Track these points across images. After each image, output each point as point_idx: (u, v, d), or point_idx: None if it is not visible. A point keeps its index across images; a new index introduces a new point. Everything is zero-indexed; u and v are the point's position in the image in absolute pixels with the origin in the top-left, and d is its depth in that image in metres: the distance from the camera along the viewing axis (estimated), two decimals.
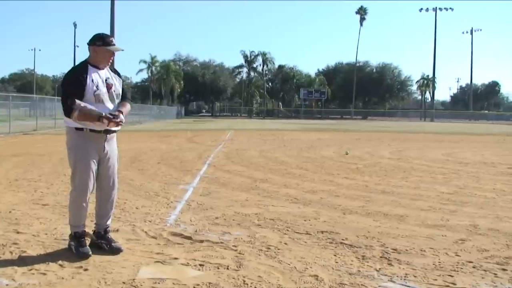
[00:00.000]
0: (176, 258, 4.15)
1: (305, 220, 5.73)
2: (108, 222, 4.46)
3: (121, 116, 4.14)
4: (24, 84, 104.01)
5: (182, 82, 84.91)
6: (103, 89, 4.16)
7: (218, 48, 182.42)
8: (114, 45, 4.25)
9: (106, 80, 4.23)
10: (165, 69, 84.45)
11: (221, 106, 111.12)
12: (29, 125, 26.58)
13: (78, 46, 79.39)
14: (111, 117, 4.03)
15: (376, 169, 10.95)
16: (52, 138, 19.51)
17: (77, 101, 3.95)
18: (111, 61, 4.33)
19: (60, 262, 3.99)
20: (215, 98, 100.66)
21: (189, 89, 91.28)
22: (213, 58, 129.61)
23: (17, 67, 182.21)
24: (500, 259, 4.30)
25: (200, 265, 4.00)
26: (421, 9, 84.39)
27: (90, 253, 4.15)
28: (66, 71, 4.33)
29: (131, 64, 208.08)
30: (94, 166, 4.23)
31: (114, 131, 4.35)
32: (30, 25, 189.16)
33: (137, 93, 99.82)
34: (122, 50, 4.36)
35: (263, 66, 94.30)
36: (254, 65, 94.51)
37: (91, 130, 4.16)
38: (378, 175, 9.90)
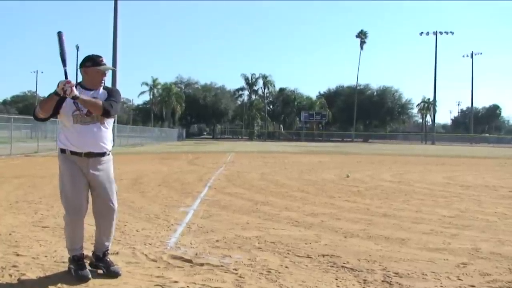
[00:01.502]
0: (176, 282, 4.12)
1: (306, 244, 5.70)
2: (107, 245, 4.40)
3: (74, 89, 3.88)
4: (26, 106, 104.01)
5: (183, 105, 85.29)
6: (84, 110, 4.13)
7: (220, 71, 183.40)
8: (104, 64, 4.24)
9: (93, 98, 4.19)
10: (167, 92, 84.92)
11: (222, 128, 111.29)
12: (31, 147, 26.63)
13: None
14: (62, 84, 3.87)
15: (377, 192, 10.93)
16: (53, 160, 19.30)
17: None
18: (103, 81, 4.30)
19: (59, 285, 3.96)
20: (216, 121, 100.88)
21: (191, 112, 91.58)
22: (215, 81, 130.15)
23: (19, 89, 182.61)
24: (503, 283, 4.27)
25: None
26: (422, 33, 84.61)
27: (90, 276, 4.11)
28: None
29: (133, 86, 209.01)
30: (82, 188, 4.20)
31: (98, 155, 4.26)
32: (32, 47, 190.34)
33: (139, 115, 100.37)
34: (113, 69, 4.37)
35: (264, 89, 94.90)
36: (255, 88, 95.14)
37: (72, 153, 4.17)
38: (379, 198, 9.88)
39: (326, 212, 7.95)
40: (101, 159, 4.28)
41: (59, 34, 4.16)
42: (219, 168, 17.47)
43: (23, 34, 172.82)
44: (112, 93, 4.33)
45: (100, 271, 4.29)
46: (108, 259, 4.37)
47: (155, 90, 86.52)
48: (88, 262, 4.38)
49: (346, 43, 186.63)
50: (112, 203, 4.33)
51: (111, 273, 4.23)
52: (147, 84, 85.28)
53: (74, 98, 3.92)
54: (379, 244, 5.74)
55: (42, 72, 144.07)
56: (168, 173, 14.67)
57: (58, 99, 3.97)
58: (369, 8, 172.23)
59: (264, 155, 28.34)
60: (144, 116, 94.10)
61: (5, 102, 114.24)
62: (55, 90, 3.90)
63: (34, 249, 5.13)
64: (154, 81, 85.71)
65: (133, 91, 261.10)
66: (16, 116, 32.08)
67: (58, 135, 4.39)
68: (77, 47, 67.91)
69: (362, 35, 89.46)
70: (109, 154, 4.37)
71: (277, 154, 31.10)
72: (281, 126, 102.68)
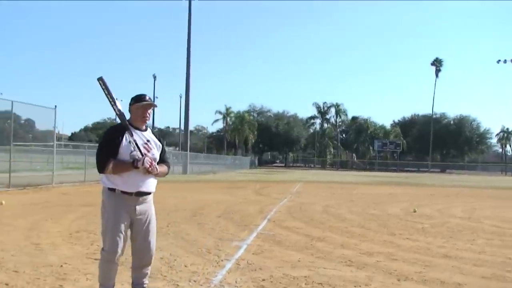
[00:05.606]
0: None
1: (355, 286, 5.49)
2: (144, 280, 4.40)
3: (155, 164, 4.17)
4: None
5: (256, 133, 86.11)
6: (140, 151, 4.17)
7: (292, 100, 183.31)
8: (145, 101, 4.29)
9: (146, 142, 4.25)
10: (240, 120, 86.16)
11: (294, 156, 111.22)
12: None
13: (157, 97, 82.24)
14: (148, 163, 4.08)
15: (443, 229, 10.43)
16: None
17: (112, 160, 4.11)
18: (147, 118, 4.33)
19: None
20: (289, 149, 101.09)
21: (263, 140, 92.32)
22: (287, 109, 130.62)
23: (100, 116, 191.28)
24: None
25: None
26: (499, 60, 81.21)
27: None
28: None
29: (207, 114, 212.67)
30: (124, 228, 4.20)
31: (147, 194, 4.29)
32: (114, 76, 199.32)
33: (212, 143, 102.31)
34: (155, 106, 4.39)
35: (336, 117, 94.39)
36: (327, 116, 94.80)
37: (123, 192, 4.17)
38: (443, 236, 9.42)
39: (383, 251, 7.65)
40: (147, 198, 4.33)
41: (101, 80, 4.28)
42: (284, 199, 17.35)
43: (107, 62, 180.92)
44: (163, 147, 4.53)
45: None
46: None
47: (228, 118, 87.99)
48: None
49: (420, 70, 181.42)
50: (149, 242, 4.35)
51: None
52: (220, 112, 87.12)
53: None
54: None
55: (121, 100, 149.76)
56: (231, 204, 14.68)
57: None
58: (443, 35, 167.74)
59: (332, 185, 27.98)
60: (218, 144, 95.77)
61: (86, 129, 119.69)
62: (134, 164, 4.07)
63: (80, 283, 5.21)
64: (227, 109, 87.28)
65: (207, 119, 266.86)
66: (91, 144, 33.18)
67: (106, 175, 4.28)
68: (154, 77, 70.30)
69: (437, 63, 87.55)
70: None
71: (347, 184, 30.58)
72: (354, 155, 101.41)
